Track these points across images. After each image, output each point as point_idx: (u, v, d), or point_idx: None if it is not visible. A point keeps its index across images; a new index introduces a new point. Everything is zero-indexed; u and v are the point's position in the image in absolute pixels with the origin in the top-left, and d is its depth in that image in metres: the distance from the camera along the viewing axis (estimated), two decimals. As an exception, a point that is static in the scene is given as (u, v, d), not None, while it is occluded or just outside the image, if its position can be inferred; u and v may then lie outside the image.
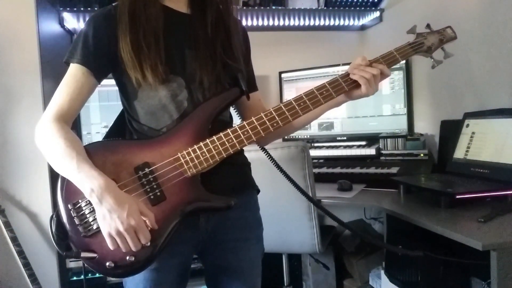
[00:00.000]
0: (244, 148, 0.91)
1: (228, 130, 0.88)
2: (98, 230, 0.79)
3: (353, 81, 0.95)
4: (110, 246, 0.78)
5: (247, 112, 1.06)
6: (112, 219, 0.75)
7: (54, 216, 0.83)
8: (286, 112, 0.90)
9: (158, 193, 0.83)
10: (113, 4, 0.90)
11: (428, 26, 1.08)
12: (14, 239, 1.63)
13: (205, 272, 1.03)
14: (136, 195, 0.82)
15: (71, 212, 0.81)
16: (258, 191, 1.05)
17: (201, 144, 0.86)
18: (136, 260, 0.79)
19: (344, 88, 0.95)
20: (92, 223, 0.80)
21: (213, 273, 1.01)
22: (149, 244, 0.78)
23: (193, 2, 0.96)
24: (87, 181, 0.77)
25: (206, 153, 0.86)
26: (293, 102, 0.91)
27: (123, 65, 0.87)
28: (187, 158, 0.85)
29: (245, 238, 0.98)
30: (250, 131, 0.88)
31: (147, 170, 0.84)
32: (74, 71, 0.87)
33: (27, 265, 1.64)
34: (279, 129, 0.90)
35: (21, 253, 1.63)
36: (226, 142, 0.87)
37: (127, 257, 0.79)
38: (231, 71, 0.95)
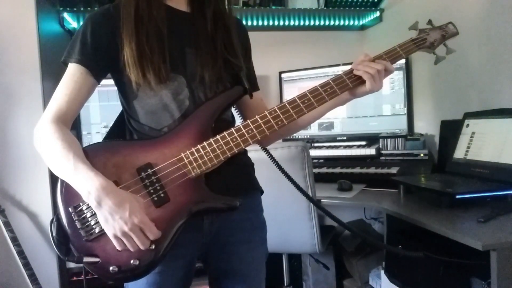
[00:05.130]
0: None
1: (232, 129, 0.87)
2: (101, 234, 0.78)
3: (357, 77, 0.94)
4: (118, 247, 0.77)
5: (248, 112, 1.05)
6: (115, 220, 0.74)
7: (54, 219, 0.81)
8: (291, 110, 0.89)
9: (162, 195, 0.82)
10: (112, 3, 0.90)
11: (430, 22, 1.08)
12: (14, 239, 1.63)
13: (208, 275, 1.02)
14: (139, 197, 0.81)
15: (72, 215, 0.80)
16: (262, 192, 1.04)
17: (205, 143, 0.85)
18: (140, 263, 0.77)
19: (348, 85, 0.94)
20: (94, 226, 0.79)
21: (216, 277, 1.00)
22: (153, 246, 0.77)
23: (193, 1, 0.95)
24: (84, 183, 0.76)
25: (210, 152, 0.85)
26: (297, 99, 0.90)
27: (123, 65, 0.86)
28: (191, 158, 0.84)
29: (249, 240, 0.97)
30: (254, 129, 0.87)
31: (150, 171, 0.82)
32: (73, 71, 0.86)
33: (27, 265, 1.63)
34: (283, 127, 0.89)
35: (21, 253, 1.63)
36: (231, 141, 0.86)
37: (131, 261, 0.77)
38: (233, 69, 0.94)
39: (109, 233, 0.76)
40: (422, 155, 1.85)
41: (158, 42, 0.86)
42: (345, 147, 2.12)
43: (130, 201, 0.76)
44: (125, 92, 0.92)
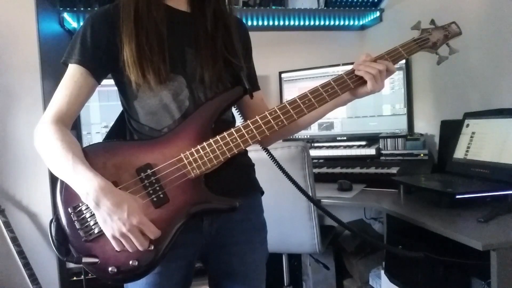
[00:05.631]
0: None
1: (232, 130, 0.86)
2: (100, 234, 0.78)
3: (358, 77, 0.93)
4: (116, 248, 0.76)
5: (249, 112, 1.05)
6: (113, 221, 0.74)
7: (53, 220, 0.81)
8: (291, 111, 0.88)
9: (161, 195, 0.81)
10: (112, 3, 0.90)
11: (432, 22, 1.06)
12: (14, 239, 1.63)
13: (208, 276, 1.02)
14: (138, 197, 0.80)
15: (71, 216, 0.79)
16: (262, 192, 1.03)
17: (205, 144, 0.85)
18: (139, 264, 0.77)
19: (350, 85, 0.93)
20: (93, 227, 0.78)
21: (216, 278, 1.00)
22: (152, 247, 0.77)
23: (193, 1, 0.95)
24: (83, 183, 0.75)
25: (210, 153, 0.84)
26: (298, 100, 0.90)
27: (122, 65, 0.86)
28: (191, 158, 0.84)
29: (249, 241, 0.97)
30: (254, 130, 0.86)
31: (149, 171, 0.82)
32: (73, 72, 0.86)
33: (27, 265, 1.63)
34: (283, 128, 0.88)
35: (21, 253, 1.63)
36: (230, 142, 0.85)
37: (130, 262, 0.77)
38: (233, 69, 0.94)
39: (108, 234, 0.76)
40: (422, 155, 1.85)
41: (158, 42, 0.86)
42: (345, 147, 2.12)
43: (129, 202, 0.76)
44: (126, 92, 0.92)
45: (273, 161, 1.03)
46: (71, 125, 0.88)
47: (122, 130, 0.97)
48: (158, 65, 0.85)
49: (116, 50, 0.86)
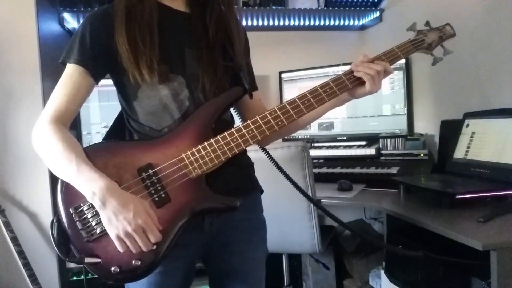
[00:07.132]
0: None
1: (233, 129, 0.87)
2: (102, 234, 0.78)
3: (356, 78, 0.94)
4: (120, 248, 0.76)
5: (247, 112, 1.05)
6: (118, 221, 0.74)
7: (54, 220, 0.81)
8: (291, 111, 0.89)
9: (163, 195, 0.82)
10: (111, 3, 0.89)
11: (427, 23, 1.08)
12: (14, 239, 1.63)
13: (209, 275, 1.02)
14: (140, 197, 0.80)
15: (73, 216, 0.79)
16: (262, 192, 1.04)
17: (205, 144, 0.85)
18: (141, 264, 0.77)
19: (348, 85, 0.94)
20: (95, 227, 0.78)
21: (217, 277, 1.00)
22: (155, 247, 0.77)
23: (192, 1, 0.95)
24: (88, 184, 0.76)
25: (211, 153, 0.85)
26: (297, 100, 0.91)
27: (121, 63, 0.85)
28: (192, 158, 0.84)
29: (249, 240, 0.97)
30: (255, 130, 0.87)
31: (150, 171, 0.82)
32: (71, 72, 0.86)
33: (27, 265, 1.63)
34: (283, 128, 0.89)
35: (21, 253, 1.63)
36: (231, 142, 0.86)
37: (133, 261, 0.77)
38: (232, 69, 0.94)
39: (112, 234, 0.76)
40: (422, 155, 1.85)
41: (149, 35, 0.85)
42: (345, 147, 2.12)
43: (134, 203, 0.76)
44: (125, 93, 0.92)
45: (272, 161, 1.03)
46: (70, 124, 0.87)
47: (121, 130, 0.97)
48: (150, 57, 0.84)
49: (114, 49, 0.86)
